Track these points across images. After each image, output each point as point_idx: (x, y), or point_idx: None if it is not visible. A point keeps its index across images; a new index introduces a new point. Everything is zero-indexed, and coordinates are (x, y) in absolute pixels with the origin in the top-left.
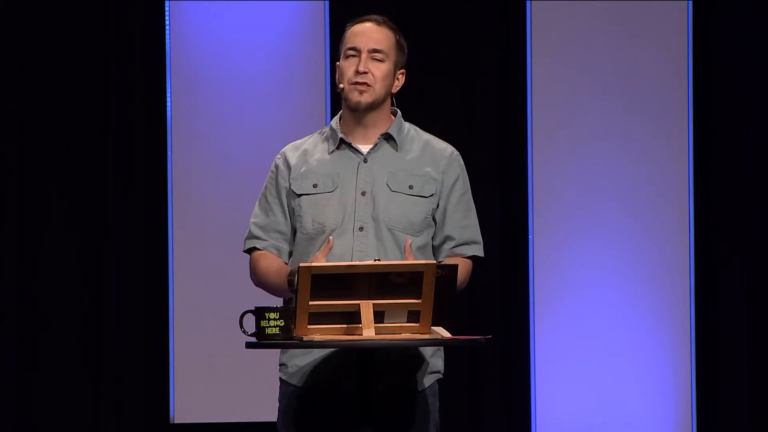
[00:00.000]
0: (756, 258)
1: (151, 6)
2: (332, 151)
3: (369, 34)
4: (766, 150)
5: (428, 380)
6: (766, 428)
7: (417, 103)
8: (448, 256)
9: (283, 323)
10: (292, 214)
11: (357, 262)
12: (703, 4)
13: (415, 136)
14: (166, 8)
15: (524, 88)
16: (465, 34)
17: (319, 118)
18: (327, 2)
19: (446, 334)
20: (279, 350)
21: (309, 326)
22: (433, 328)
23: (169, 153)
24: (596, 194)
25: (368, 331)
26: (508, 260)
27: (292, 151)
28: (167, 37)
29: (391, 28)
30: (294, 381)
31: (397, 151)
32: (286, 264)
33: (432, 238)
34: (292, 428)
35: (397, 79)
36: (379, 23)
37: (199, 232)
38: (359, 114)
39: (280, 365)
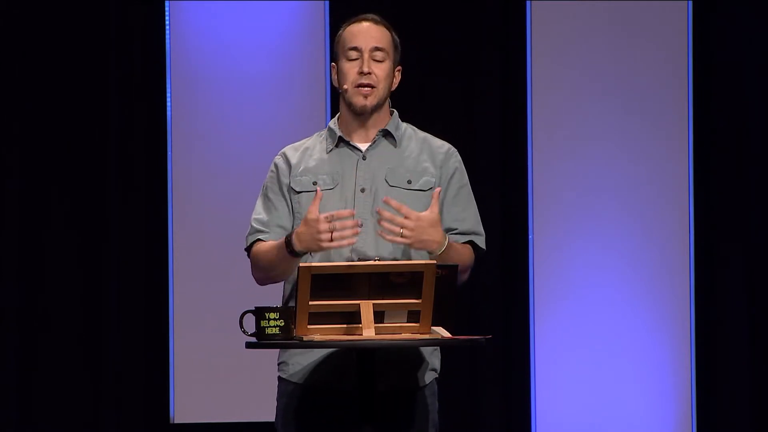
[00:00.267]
0: (756, 258)
1: (151, 6)
2: (331, 150)
3: (369, 33)
4: (766, 150)
5: (428, 377)
6: (766, 428)
7: (417, 103)
8: None
9: (283, 323)
10: (293, 212)
11: (357, 262)
12: (703, 4)
13: (413, 134)
14: (166, 8)
15: (524, 88)
16: (465, 34)
17: (319, 118)
18: (327, 2)
19: (446, 334)
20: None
21: (309, 326)
22: (433, 328)
23: (169, 153)
24: (596, 194)
25: (368, 331)
26: (508, 260)
27: (291, 150)
28: (167, 37)
29: (387, 27)
30: (295, 379)
31: (395, 147)
32: None
33: None
34: (292, 428)
35: (395, 76)
36: (376, 22)
37: (199, 232)
38: (364, 117)
39: (279, 364)
